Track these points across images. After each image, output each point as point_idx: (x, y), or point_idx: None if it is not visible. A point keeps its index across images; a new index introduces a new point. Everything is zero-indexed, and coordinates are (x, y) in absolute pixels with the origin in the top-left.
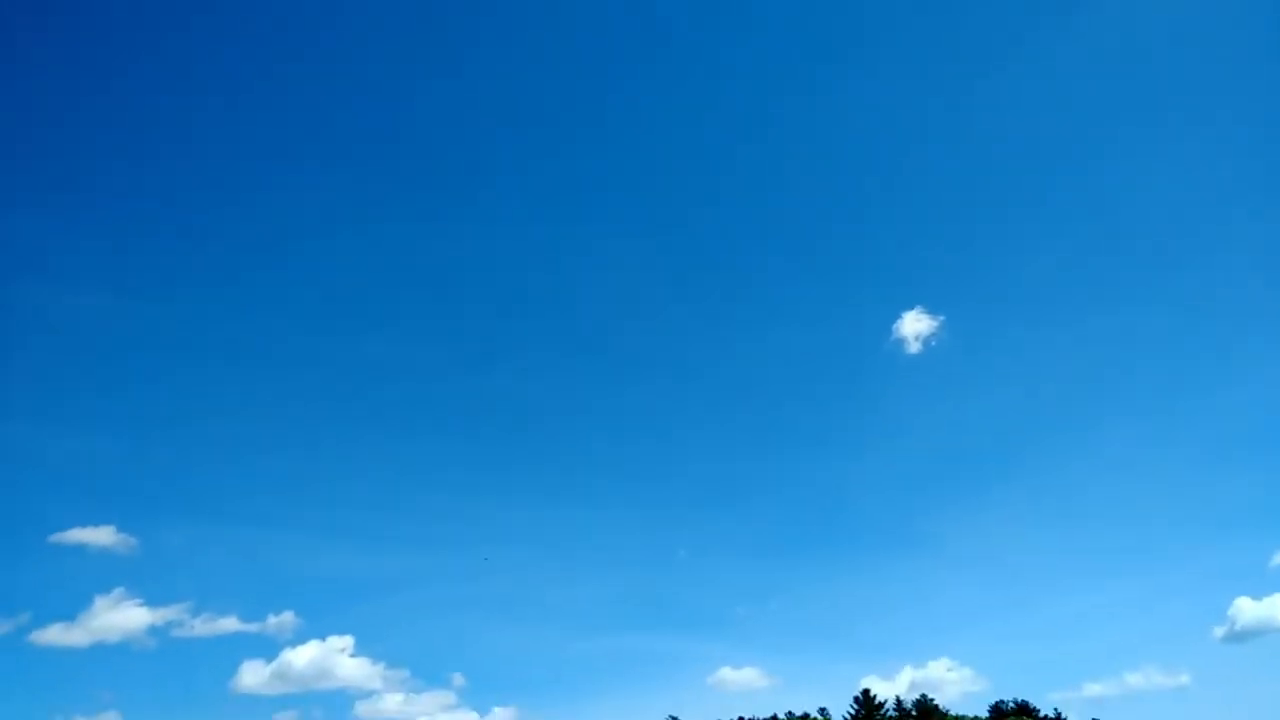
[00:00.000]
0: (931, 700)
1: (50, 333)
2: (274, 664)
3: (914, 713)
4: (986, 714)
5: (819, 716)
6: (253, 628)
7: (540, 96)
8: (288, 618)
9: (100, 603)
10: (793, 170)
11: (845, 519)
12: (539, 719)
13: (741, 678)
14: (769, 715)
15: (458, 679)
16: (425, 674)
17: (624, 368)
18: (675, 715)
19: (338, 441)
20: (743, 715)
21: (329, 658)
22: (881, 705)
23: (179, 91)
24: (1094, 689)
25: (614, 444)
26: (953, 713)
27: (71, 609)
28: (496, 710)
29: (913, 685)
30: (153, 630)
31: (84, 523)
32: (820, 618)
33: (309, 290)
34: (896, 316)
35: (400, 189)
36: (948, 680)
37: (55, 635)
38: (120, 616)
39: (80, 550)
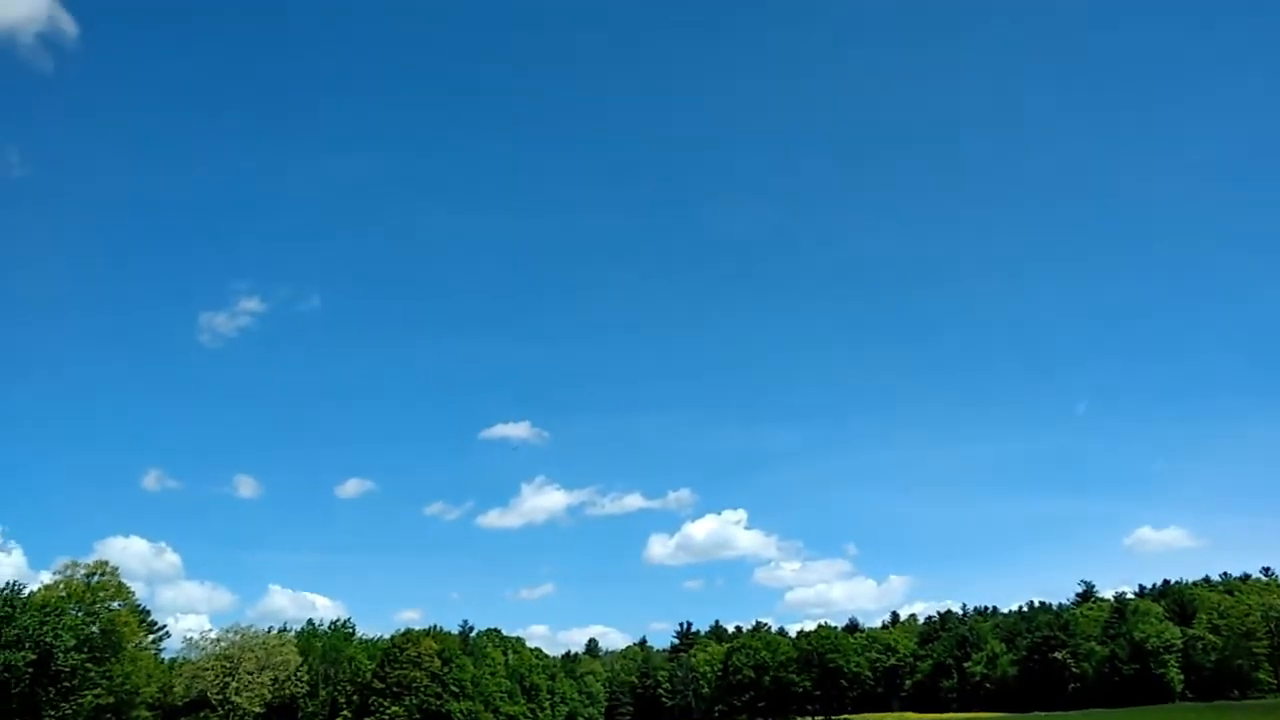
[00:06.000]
0: None
1: (465, 252)
2: (676, 536)
3: None
4: None
5: (1263, 577)
6: (655, 504)
7: None
8: (685, 494)
9: (526, 489)
10: None
11: None
12: (937, 586)
13: (1164, 539)
14: (1199, 578)
15: (850, 548)
16: (818, 544)
17: (994, 205)
18: (1088, 580)
19: (719, 322)
20: (1168, 578)
21: (725, 529)
22: None
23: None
24: None
25: (978, 301)
26: None
27: (504, 495)
28: (893, 578)
29: None
30: (570, 510)
31: (505, 419)
32: (1259, 469)
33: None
34: None
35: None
36: None
37: (494, 519)
38: (543, 500)
39: (503, 444)
